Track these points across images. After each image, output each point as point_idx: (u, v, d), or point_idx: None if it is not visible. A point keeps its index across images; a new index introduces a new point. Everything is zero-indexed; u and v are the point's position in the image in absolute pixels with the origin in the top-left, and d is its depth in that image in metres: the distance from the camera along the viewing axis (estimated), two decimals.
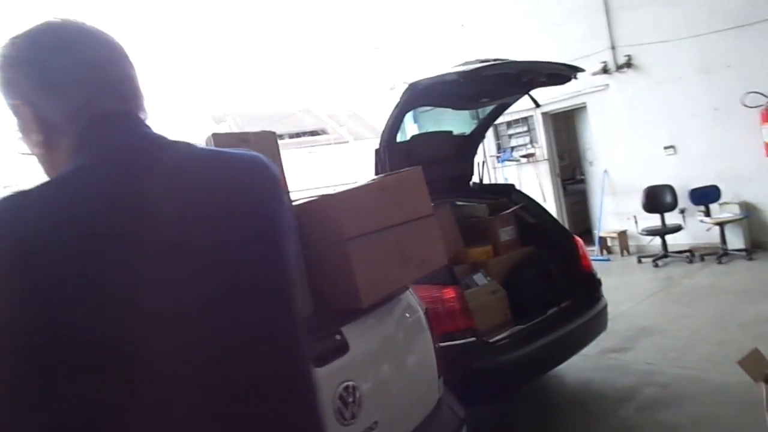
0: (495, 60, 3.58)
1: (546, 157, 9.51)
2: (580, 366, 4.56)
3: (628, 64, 8.30)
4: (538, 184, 9.59)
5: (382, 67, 12.87)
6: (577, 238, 4.30)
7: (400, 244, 2.34)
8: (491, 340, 3.51)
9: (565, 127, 10.32)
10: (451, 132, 4.28)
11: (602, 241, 8.80)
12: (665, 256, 7.70)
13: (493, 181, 10.11)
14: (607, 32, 8.45)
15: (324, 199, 2.18)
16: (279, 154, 2.21)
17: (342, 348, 2.08)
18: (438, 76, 3.26)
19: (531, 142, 9.68)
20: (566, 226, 9.63)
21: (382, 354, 2.29)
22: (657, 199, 7.91)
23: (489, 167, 10.18)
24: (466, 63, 3.45)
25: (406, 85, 3.37)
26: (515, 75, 3.48)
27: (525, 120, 9.68)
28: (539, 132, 9.56)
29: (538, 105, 3.85)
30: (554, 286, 4.09)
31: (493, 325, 3.72)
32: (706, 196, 7.60)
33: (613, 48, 8.43)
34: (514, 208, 4.28)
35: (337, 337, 2.09)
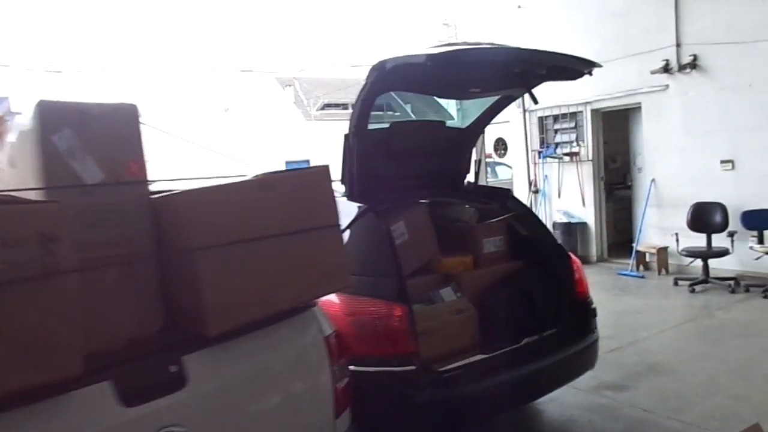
0: (488, 45, 3.04)
1: (590, 158, 8.75)
2: (566, 400, 4.03)
3: (693, 65, 7.42)
4: (579, 185, 8.87)
5: (448, 41, 12.29)
6: (575, 259, 3.74)
7: (285, 258, 1.92)
8: (442, 369, 3.05)
9: (620, 127, 9.49)
10: (443, 123, 3.77)
11: (639, 255, 8.04)
12: (705, 281, 6.91)
13: (531, 177, 9.48)
14: (673, 27, 7.58)
15: (178, 196, 1.77)
16: (139, 135, 1.81)
17: (174, 383, 1.69)
18: (406, 56, 2.78)
19: (577, 139, 8.92)
20: (605, 233, 8.96)
21: (245, 391, 1.88)
22: (704, 218, 7.09)
23: (529, 162, 9.55)
24: (448, 44, 2.94)
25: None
26: (503, 64, 2.94)
27: (573, 115, 8.93)
28: (587, 130, 8.79)
29: (535, 102, 3.28)
30: (536, 311, 3.56)
31: (453, 349, 3.24)
32: (761, 220, 6.73)
33: (678, 45, 7.56)
34: (504, 216, 3.75)
35: (172, 368, 1.70)
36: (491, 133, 11.58)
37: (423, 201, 3.66)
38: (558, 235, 8.90)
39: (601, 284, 7.58)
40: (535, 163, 9.49)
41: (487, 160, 12.92)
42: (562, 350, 3.45)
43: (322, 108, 22.45)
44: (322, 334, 2.18)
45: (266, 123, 20.13)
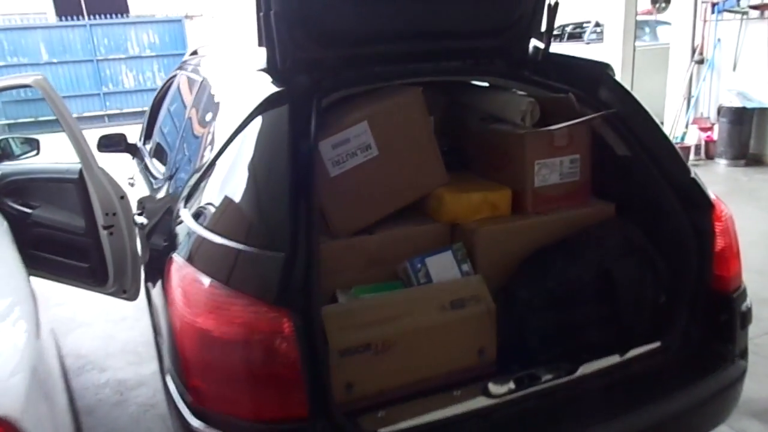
0: None
1: None
2: None
3: None
4: (767, 53, 6.22)
5: None
6: (722, 210, 1.87)
7: None
8: (388, 430, 1.53)
9: None
10: None
11: None
12: None
13: (696, 41, 6.88)
14: None
15: None
16: None
17: None
18: None
19: None
20: None
21: None
22: None
23: (697, 19, 6.89)
24: None
25: None
26: None
27: None
28: None
29: None
30: (621, 307, 1.85)
31: (434, 379, 1.69)
32: None
33: None
34: (589, 117, 1.92)
35: None
36: None
37: (422, 80, 1.93)
38: (724, 125, 6.48)
39: None
40: (705, 21, 6.81)
41: (645, 17, 10.03)
42: (666, 392, 1.75)
43: None
44: None
45: None
